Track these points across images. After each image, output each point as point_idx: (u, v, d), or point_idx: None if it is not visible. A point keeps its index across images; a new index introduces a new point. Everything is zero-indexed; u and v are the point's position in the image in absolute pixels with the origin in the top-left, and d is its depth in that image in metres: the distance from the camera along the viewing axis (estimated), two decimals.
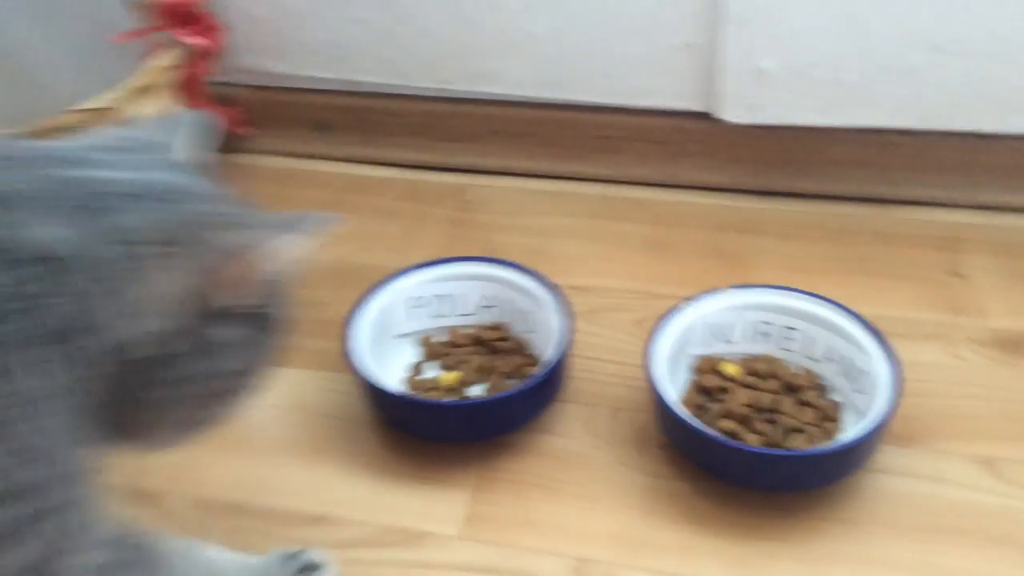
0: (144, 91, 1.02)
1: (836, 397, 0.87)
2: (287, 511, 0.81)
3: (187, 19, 1.07)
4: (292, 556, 0.73)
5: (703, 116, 1.09)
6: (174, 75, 1.07)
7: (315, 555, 0.73)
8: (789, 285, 0.91)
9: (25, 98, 1.04)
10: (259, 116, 1.21)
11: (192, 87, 1.10)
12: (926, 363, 0.92)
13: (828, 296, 0.91)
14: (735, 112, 1.06)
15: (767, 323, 0.89)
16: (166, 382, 0.54)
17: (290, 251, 0.55)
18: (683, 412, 0.79)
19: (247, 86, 1.20)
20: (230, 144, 1.22)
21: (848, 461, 0.78)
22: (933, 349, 0.94)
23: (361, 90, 1.17)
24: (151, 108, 1.04)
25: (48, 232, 0.48)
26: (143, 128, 0.59)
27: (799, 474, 0.78)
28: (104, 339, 0.50)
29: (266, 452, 0.86)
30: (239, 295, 0.55)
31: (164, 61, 1.05)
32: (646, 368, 0.82)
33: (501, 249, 1.00)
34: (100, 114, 0.99)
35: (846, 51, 1.00)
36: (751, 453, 0.77)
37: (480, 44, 1.10)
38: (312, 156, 1.22)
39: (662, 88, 1.09)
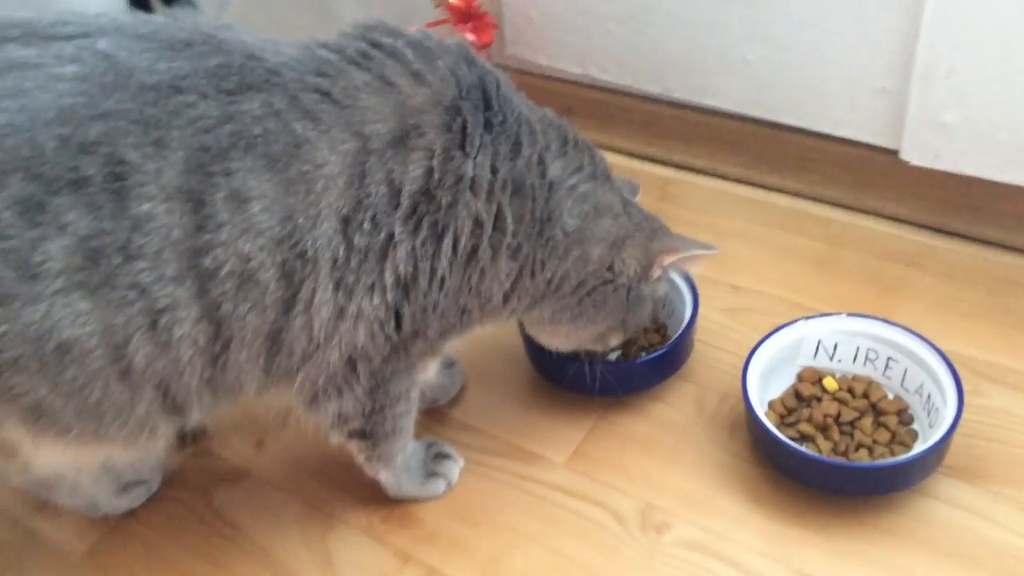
0: None
1: (917, 427, 0.98)
2: (445, 414, 1.08)
3: (469, 17, 1.33)
4: (432, 444, 1.00)
5: (891, 152, 1.19)
6: None
7: (447, 448, 1.00)
8: (935, 321, 1.07)
9: None
10: None
11: None
12: (1019, 414, 1.01)
13: (962, 337, 1.05)
14: (917, 156, 1.15)
15: (874, 351, 1.01)
16: (612, 299, 0.92)
17: (692, 258, 0.95)
18: (759, 410, 0.95)
19: (512, 69, 1.45)
20: None
21: (883, 480, 0.92)
22: None
23: (600, 85, 1.39)
24: None
25: (616, 204, 0.90)
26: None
27: (840, 481, 0.93)
28: (606, 267, 0.90)
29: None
30: (659, 272, 0.94)
31: None
32: (744, 366, 0.99)
33: None
34: None
35: None
36: (798, 454, 0.92)
37: (703, 62, 1.27)
38: None
39: (856, 122, 1.20)
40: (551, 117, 0.89)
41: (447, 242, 0.80)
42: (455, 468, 1.00)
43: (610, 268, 0.91)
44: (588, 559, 0.93)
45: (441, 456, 1.00)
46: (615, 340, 0.98)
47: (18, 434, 0.75)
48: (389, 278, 0.79)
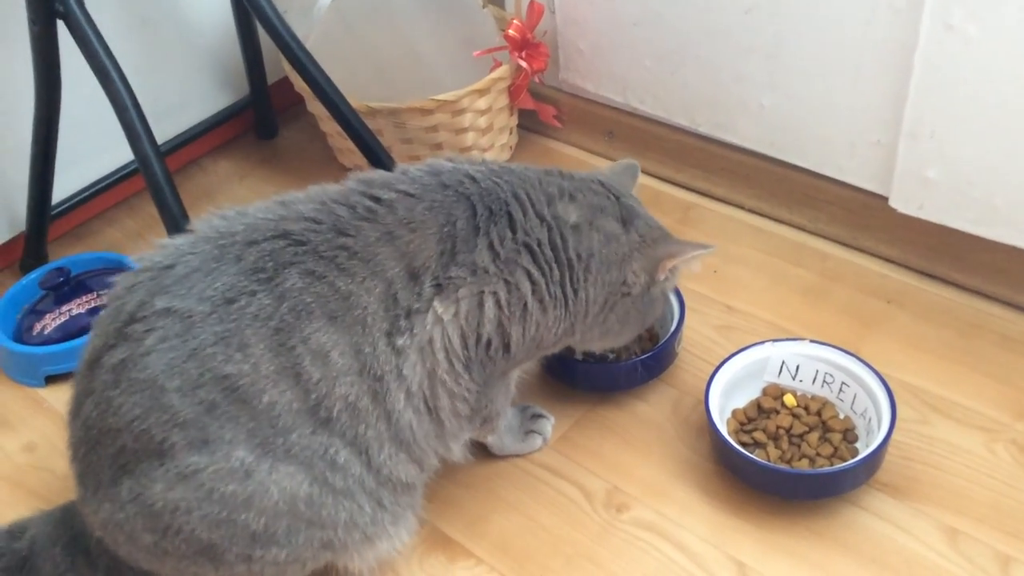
0: (481, 92, 1.48)
1: (859, 446, 1.12)
2: None
3: (524, 46, 1.50)
4: (527, 407, 1.20)
5: (883, 199, 1.31)
6: (505, 84, 1.52)
7: (540, 409, 1.20)
8: (902, 355, 1.21)
9: (421, 80, 1.54)
10: (568, 116, 1.63)
11: (516, 93, 1.53)
12: (961, 446, 1.13)
13: (923, 371, 1.19)
14: (903, 204, 1.28)
15: (830, 375, 1.15)
16: (632, 310, 1.06)
17: (692, 259, 1.07)
18: (717, 416, 1.10)
19: (564, 92, 1.62)
20: (545, 131, 1.67)
21: (813, 486, 1.07)
22: (976, 438, 1.14)
23: (638, 113, 1.54)
24: (483, 104, 1.49)
25: (616, 227, 1.03)
26: (616, 167, 1.15)
27: (776, 483, 1.08)
28: (621, 278, 1.04)
29: None
30: (666, 275, 1.07)
31: (501, 74, 1.50)
32: (710, 377, 1.14)
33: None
34: (446, 104, 1.46)
35: (1000, 179, 1.18)
36: (743, 457, 1.07)
37: (726, 102, 1.41)
38: (599, 155, 1.62)
39: (855, 169, 1.33)
40: (541, 174, 1.03)
41: (489, 307, 0.95)
42: (548, 425, 1.19)
43: (624, 283, 1.05)
44: (555, 527, 1.10)
45: (536, 416, 1.20)
46: (635, 337, 1.15)
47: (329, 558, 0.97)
48: (441, 353, 0.93)
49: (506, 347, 0.98)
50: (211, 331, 0.87)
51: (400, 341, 0.92)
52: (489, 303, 0.95)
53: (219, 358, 0.86)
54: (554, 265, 0.99)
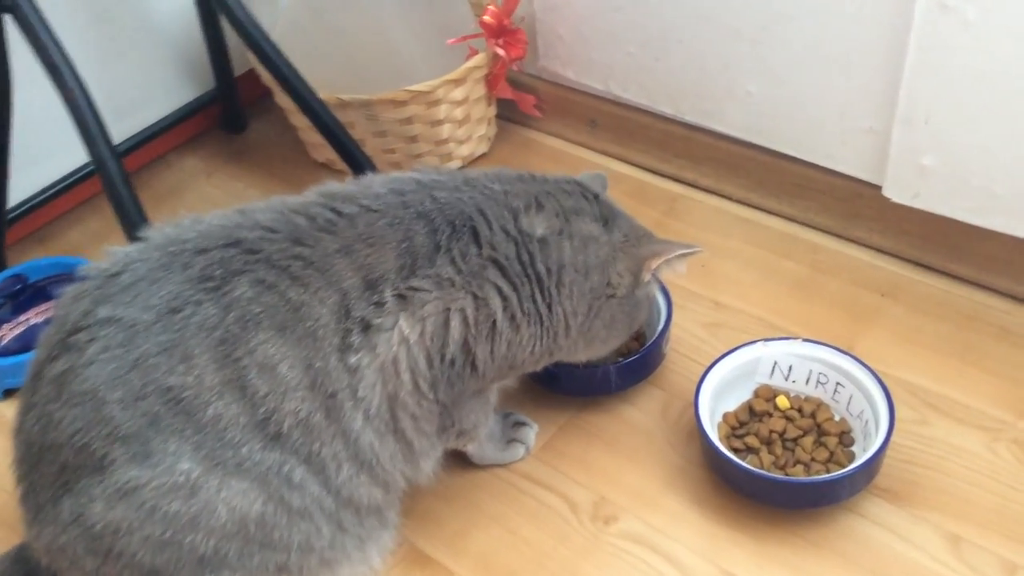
0: (456, 82, 1.42)
1: (856, 449, 1.07)
2: None
3: (501, 33, 1.43)
4: (509, 415, 1.15)
5: (876, 187, 1.26)
6: (482, 73, 1.46)
7: (523, 417, 1.15)
8: (898, 350, 1.16)
9: (393, 70, 1.48)
10: (549, 105, 1.57)
11: (494, 82, 1.48)
12: (962, 447, 1.09)
13: (920, 367, 1.14)
14: (897, 193, 1.23)
15: (824, 375, 1.10)
16: (618, 312, 1.02)
17: (675, 258, 1.03)
18: (708, 421, 1.05)
19: (543, 80, 1.56)
20: (525, 121, 1.61)
21: (807, 495, 1.02)
22: (977, 439, 1.09)
23: (622, 102, 1.48)
24: (459, 94, 1.43)
25: (596, 228, 0.99)
26: (584, 179, 1.06)
27: (767, 492, 1.03)
28: (604, 280, 0.99)
29: None
30: (650, 275, 1.03)
31: (477, 62, 1.44)
32: (699, 379, 1.09)
33: None
34: (420, 95, 1.40)
35: (999, 166, 1.13)
36: (732, 464, 1.02)
37: (712, 89, 1.36)
38: (581, 145, 1.56)
39: (846, 157, 1.28)
40: (512, 179, 0.99)
41: (455, 325, 0.90)
42: (531, 433, 1.14)
43: (608, 284, 1.00)
44: (539, 541, 1.05)
45: (518, 424, 1.14)
46: (620, 344, 1.09)
47: None
48: (406, 374, 0.88)
49: (472, 366, 0.93)
50: (155, 341, 0.82)
51: (353, 359, 0.86)
52: (455, 320, 0.90)
53: (162, 369, 0.82)
54: (524, 280, 0.93)
